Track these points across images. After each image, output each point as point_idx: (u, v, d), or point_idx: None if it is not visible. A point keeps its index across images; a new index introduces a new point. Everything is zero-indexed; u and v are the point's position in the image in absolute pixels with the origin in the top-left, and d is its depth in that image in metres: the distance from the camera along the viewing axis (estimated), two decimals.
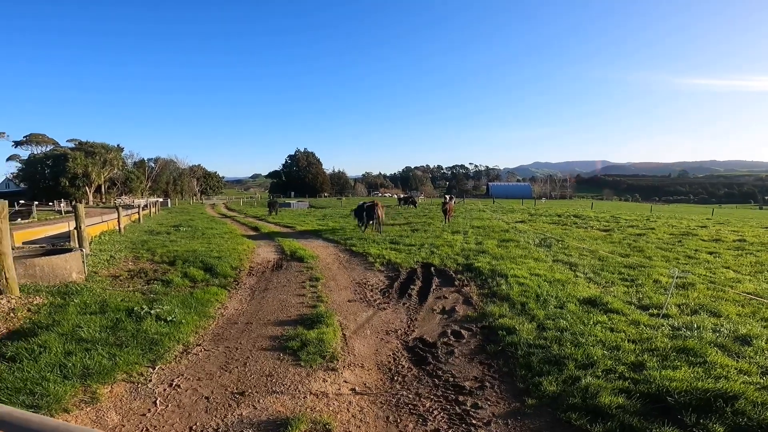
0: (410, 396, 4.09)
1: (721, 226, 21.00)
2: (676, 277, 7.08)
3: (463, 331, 5.77)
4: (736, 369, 4.24)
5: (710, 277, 8.65)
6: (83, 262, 8.12)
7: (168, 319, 5.76)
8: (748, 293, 7.14)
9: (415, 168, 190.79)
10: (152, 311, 5.92)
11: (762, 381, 3.98)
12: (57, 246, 9.63)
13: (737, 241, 14.69)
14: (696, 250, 12.26)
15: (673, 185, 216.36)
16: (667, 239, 14.93)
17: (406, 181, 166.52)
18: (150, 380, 4.31)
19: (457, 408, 3.86)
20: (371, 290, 8.01)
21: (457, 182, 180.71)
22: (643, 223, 21.59)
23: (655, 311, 6.19)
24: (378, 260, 10.45)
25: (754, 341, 4.97)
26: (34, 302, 6.24)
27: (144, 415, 3.71)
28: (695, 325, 5.52)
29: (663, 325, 5.56)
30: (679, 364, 4.36)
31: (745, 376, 4.08)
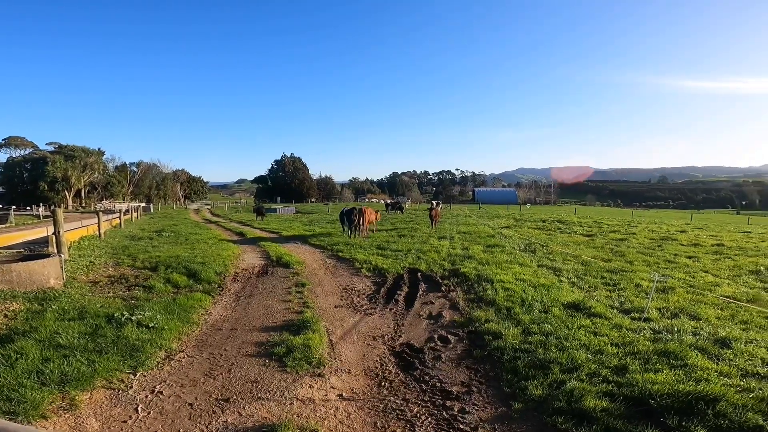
0: (398, 401, 4.07)
1: (700, 230, 21.54)
2: (657, 281, 7.22)
3: (449, 336, 5.78)
4: (716, 371, 4.33)
5: (690, 281, 8.84)
6: (62, 267, 7.93)
7: (150, 325, 5.65)
8: (726, 297, 7.32)
9: (402, 173, 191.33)
10: (133, 317, 5.80)
11: (742, 383, 4.07)
12: (35, 251, 9.38)
13: (715, 245, 15.07)
14: (676, 255, 12.54)
15: (653, 191, 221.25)
16: (647, 244, 15.23)
17: (393, 186, 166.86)
18: (131, 387, 4.21)
19: (444, 413, 3.86)
20: (358, 296, 7.99)
21: (444, 188, 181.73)
22: (625, 228, 22.01)
23: (637, 315, 6.29)
24: (365, 266, 10.43)
25: (734, 344, 5.08)
26: (11, 308, 6.06)
27: (125, 422, 3.62)
28: (676, 329, 5.62)
29: (644, 329, 5.66)
30: (660, 367, 4.43)
31: (726, 379, 4.17)
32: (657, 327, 5.74)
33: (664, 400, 3.75)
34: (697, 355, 4.74)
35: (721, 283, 8.71)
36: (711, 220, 39.90)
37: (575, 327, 5.71)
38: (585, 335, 5.40)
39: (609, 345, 5.08)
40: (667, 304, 6.90)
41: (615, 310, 6.58)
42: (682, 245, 15.10)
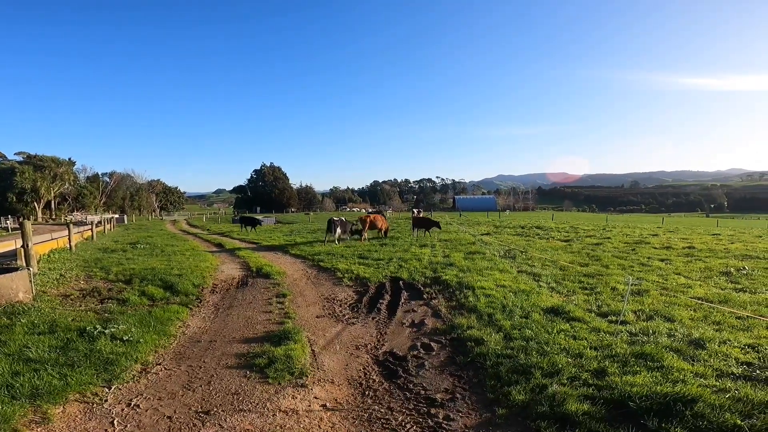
0: (382, 410, 4.04)
1: (671, 234, 22.23)
2: (632, 285, 7.40)
3: (432, 344, 5.78)
4: (692, 372, 4.43)
5: (663, 283, 9.08)
6: (31, 281, 7.63)
7: (124, 338, 5.50)
8: (698, 298, 7.54)
9: (383, 182, 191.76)
10: (107, 331, 5.64)
11: (718, 383, 4.17)
12: (2, 265, 9.00)
13: (687, 248, 15.56)
14: (649, 258, 12.89)
15: (626, 196, 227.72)
16: (622, 248, 15.62)
17: (375, 195, 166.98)
18: (106, 400, 4.09)
19: (429, 420, 3.85)
20: (340, 305, 7.93)
21: (425, 196, 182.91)
22: (600, 233, 22.54)
23: (614, 318, 6.42)
24: (346, 275, 10.37)
25: (708, 344, 5.22)
26: None
27: None
28: (651, 331, 5.76)
29: (621, 332, 5.78)
30: (638, 369, 4.52)
31: (702, 379, 4.26)
32: (633, 329, 5.87)
33: (643, 402, 3.82)
34: (673, 356, 4.85)
35: (693, 284, 8.97)
36: (681, 223, 41.23)
37: (555, 331, 5.79)
38: (565, 339, 5.48)
39: (588, 348, 5.17)
40: (642, 306, 7.07)
41: (593, 314, 6.69)
42: (655, 248, 15.54)
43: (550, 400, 3.94)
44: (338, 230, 17.70)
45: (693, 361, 4.80)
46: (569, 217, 60.14)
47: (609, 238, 19.43)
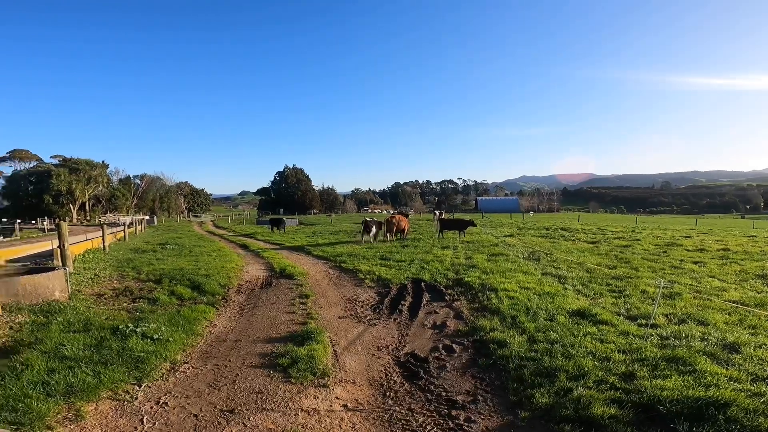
0: (403, 411, 4.04)
1: (705, 236, 21.41)
2: (663, 287, 7.17)
3: (454, 346, 5.75)
4: (726, 377, 4.30)
5: (696, 286, 8.77)
6: (66, 280, 7.96)
7: (154, 337, 5.65)
8: (733, 301, 7.26)
9: (405, 184, 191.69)
10: (138, 329, 5.80)
11: (752, 388, 4.04)
12: (40, 264, 9.42)
13: (721, 250, 14.98)
14: (681, 260, 12.46)
15: (657, 196, 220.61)
16: (652, 250, 15.15)
17: (396, 197, 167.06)
18: (136, 398, 4.21)
19: (450, 422, 3.82)
20: (362, 306, 7.96)
21: (446, 197, 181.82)
22: (629, 234, 21.91)
23: (644, 321, 6.24)
24: (368, 276, 10.42)
25: (743, 348, 5.04)
26: (16, 320, 6.09)
27: None
28: (683, 335, 5.58)
29: (652, 335, 5.62)
30: (669, 373, 4.40)
31: (736, 383, 4.13)
32: (664, 333, 5.70)
33: (673, 406, 3.72)
34: (705, 360, 4.70)
35: (728, 288, 8.64)
36: (716, 224, 39.68)
37: (581, 334, 5.67)
38: (591, 342, 5.36)
39: (616, 352, 5.05)
40: (674, 310, 6.85)
41: (621, 317, 6.53)
42: (688, 251, 15.01)
43: (575, 403, 3.86)
44: (373, 230, 18.69)
45: (727, 365, 4.65)
46: (596, 218, 58.72)
47: (639, 240, 18.87)
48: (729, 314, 6.60)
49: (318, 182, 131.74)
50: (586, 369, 4.55)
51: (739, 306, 6.92)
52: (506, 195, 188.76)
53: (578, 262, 11.85)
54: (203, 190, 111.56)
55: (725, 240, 18.84)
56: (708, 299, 7.45)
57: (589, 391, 4.05)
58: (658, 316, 6.40)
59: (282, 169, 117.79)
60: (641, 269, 10.90)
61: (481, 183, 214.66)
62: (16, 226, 34.45)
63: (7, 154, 76.90)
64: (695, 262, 12.14)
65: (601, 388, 4.15)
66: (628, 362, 4.75)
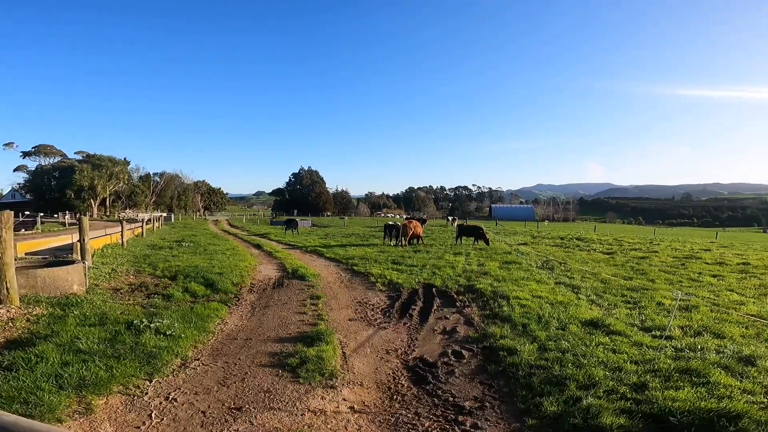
0: (409, 415, 4.03)
1: (725, 249, 20.89)
2: (680, 300, 7.03)
3: (463, 351, 5.71)
4: (739, 389, 4.21)
5: (714, 299, 8.57)
6: (85, 274, 8.14)
7: (167, 333, 5.73)
8: (752, 315, 7.08)
9: (418, 188, 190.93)
10: (152, 325, 5.90)
11: (766, 400, 3.96)
12: (59, 258, 9.66)
13: (741, 264, 14.60)
14: (700, 273, 12.18)
15: (677, 208, 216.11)
16: (670, 262, 14.85)
17: (409, 201, 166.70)
18: (146, 393, 4.27)
19: (456, 428, 3.80)
20: (372, 310, 7.97)
21: (460, 204, 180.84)
22: (647, 246, 21.50)
23: (658, 333, 6.13)
24: (379, 280, 10.42)
25: (758, 362, 4.94)
26: (34, 312, 6.24)
27: (138, 427, 3.67)
28: (698, 347, 5.47)
29: (666, 347, 5.51)
30: (682, 384, 4.32)
31: (749, 396, 4.06)
32: (679, 345, 5.59)
33: (684, 417, 3.65)
34: (720, 372, 4.62)
35: (747, 301, 8.44)
36: (737, 238, 38.70)
37: (593, 344, 5.58)
38: (603, 352, 5.28)
39: (628, 362, 4.97)
40: (690, 322, 6.71)
41: (635, 328, 6.41)
42: (707, 264, 14.67)
43: (584, 412, 3.81)
44: (394, 234, 19.75)
45: (741, 377, 4.56)
46: (613, 229, 57.78)
47: (656, 251, 18.50)
48: (746, 328, 6.45)
49: (332, 184, 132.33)
50: (597, 378, 4.49)
51: (757, 320, 6.75)
52: (521, 203, 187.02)
53: (593, 273, 11.68)
54: (220, 189, 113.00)
55: (745, 254, 18.36)
56: (725, 312, 7.28)
57: (598, 401, 3.98)
58: (674, 328, 6.28)
59: (297, 171, 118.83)
60: (658, 281, 10.69)
61: (495, 190, 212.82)
62: (38, 219, 35.34)
63: (33, 149, 79.10)
64: (714, 276, 11.86)
65: (611, 398, 4.09)
66: (640, 373, 4.67)
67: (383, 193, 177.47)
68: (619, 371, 4.71)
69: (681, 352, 5.35)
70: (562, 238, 25.59)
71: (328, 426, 3.80)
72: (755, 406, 3.81)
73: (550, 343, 5.69)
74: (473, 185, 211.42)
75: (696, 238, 32.19)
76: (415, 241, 19.46)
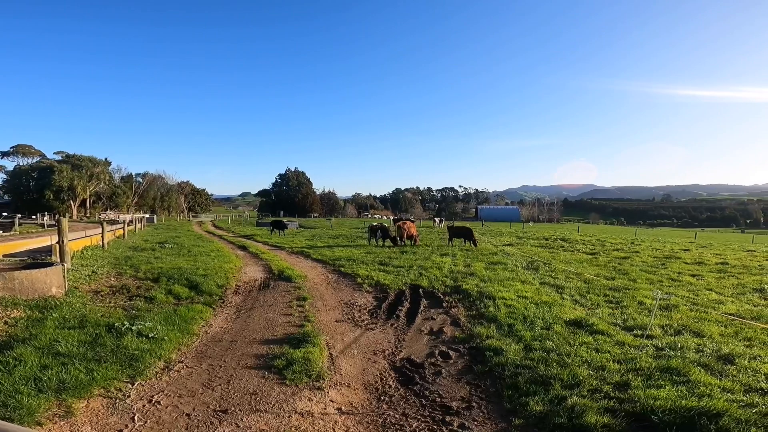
0: (397, 416, 4.03)
1: (704, 249, 21.42)
2: (660, 299, 7.17)
3: (450, 352, 5.74)
4: (719, 387, 4.31)
5: (693, 298, 8.77)
6: (64, 276, 7.96)
7: (150, 335, 5.64)
8: (730, 314, 7.26)
9: (405, 190, 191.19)
10: (133, 327, 5.80)
11: (745, 398, 4.06)
12: (38, 260, 9.43)
13: (720, 263, 14.97)
14: (679, 273, 12.46)
15: (657, 209, 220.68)
16: (651, 262, 15.15)
17: (396, 203, 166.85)
18: (128, 396, 4.20)
19: (444, 428, 3.82)
20: (359, 311, 7.96)
21: (447, 205, 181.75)
22: (628, 246, 21.91)
23: (640, 332, 6.24)
24: (366, 281, 10.41)
25: (737, 360, 5.06)
26: (12, 315, 6.08)
27: (121, 430, 3.60)
28: (679, 345, 5.59)
29: (647, 346, 5.62)
30: (663, 383, 4.40)
31: (729, 394, 4.15)
32: (660, 344, 5.70)
33: (666, 415, 3.72)
34: (700, 371, 4.71)
35: (725, 300, 8.65)
36: (715, 238, 39.68)
37: (577, 344, 5.67)
38: (587, 352, 5.36)
39: (611, 361, 5.05)
40: (670, 321, 6.85)
41: (617, 328, 6.53)
42: (686, 263, 15.01)
43: (569, 411, 3.86)
44: (379, 235, 19.94)
45: (721, 375, 4.67)
46: (596, 229, 58.75)
47: (638, 252, 18.88)
48: (725, 326, 6.61)
49: (319, 185, 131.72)
50: (581, 378, 4.56)
51: (735, 318, 6.92)
52: (507, 204, 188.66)
53: (576, 273, 11.85)
54: (204, 190, 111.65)
55: (724, 254, 18.85)
56: (704, 311, 7.45)
57: (583, 400, 4.04)
58: (655, 327, 6.41)
59: (283, 172, 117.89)
60: (639, 281, 10.89)
61: (482, 191, 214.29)
62: (16, 220, 34.45)
63: (11, 149, 77.20)
64: (693, 275, 12.14)
65: (595, 397, 4.15)
66: (622, 372, 4.75)
67: (370, 194, 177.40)
68: (603, 370, 4.79)
69: (662, 351, 5.46)
70: (546, 239, 25.92)
71: (316, 428, 3.78)
72: (735, 404, 3.89)
73: (535, 343, 5.75)
74: (460, 186, 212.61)
75: (676, 239, 32.95)
76: (409, 241, 19.54)
